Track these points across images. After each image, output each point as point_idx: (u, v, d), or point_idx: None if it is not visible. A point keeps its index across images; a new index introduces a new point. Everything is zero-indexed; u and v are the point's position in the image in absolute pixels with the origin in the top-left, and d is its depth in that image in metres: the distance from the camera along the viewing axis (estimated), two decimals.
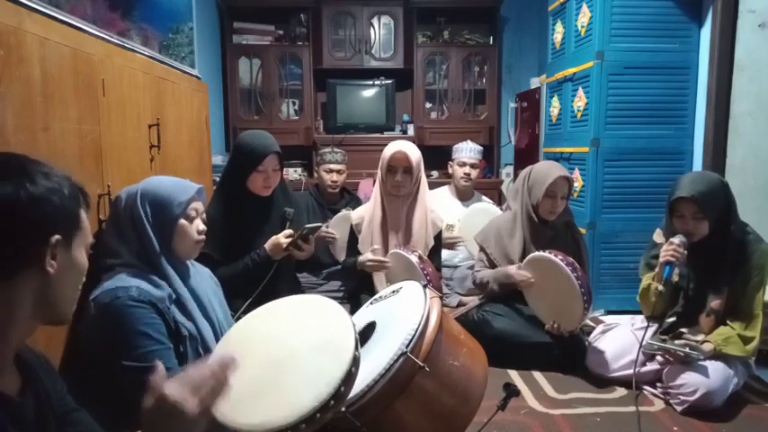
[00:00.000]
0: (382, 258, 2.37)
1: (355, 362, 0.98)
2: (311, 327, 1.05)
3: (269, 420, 0.90)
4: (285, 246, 2.11)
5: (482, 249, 2.51)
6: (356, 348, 1.00)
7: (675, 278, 2.08)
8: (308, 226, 2.19)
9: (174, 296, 1.42)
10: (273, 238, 2.12)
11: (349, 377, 0.96)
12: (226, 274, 2.03)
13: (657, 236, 2.17)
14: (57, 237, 0.78)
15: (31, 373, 0.86)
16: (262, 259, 2.10)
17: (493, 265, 2.46)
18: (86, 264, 0.86)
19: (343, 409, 1.25)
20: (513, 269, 2.30)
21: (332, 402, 0.93)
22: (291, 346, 1.02)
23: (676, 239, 1.98)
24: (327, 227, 2.78)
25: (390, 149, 2.42)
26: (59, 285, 0.81)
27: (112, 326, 1.29)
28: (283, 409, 0.91)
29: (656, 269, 2.03)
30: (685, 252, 1.97)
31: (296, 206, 2.36)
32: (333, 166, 3.20)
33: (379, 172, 2.50)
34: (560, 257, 2.11)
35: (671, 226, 2.06)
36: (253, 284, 2.02)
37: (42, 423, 0.84)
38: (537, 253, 2.21)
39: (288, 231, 2.14)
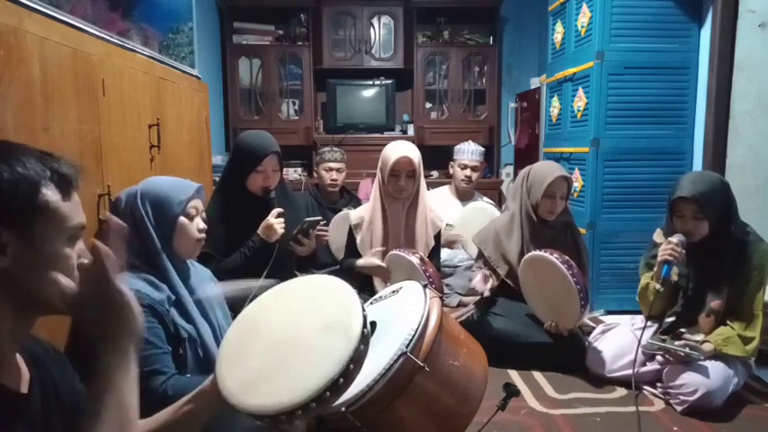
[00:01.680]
0: (383, 264, 2.36)
1: (364, 339, 0.98)
2: (319, 307, 1.06)
3: (278, 401, 0.90)
4: (275, 226, 2.08)
5: (480, 252, 2.51)
6: (364, 325, 1.00)
7: (675, 277, 2.08)
8: (307, 219, 2.18)
9: (173, 298, 1.42)
10: (264, 221, 2.10)
11: (358, 354, 0.96)
12: (228, 268, 2.04)
13: (657, 236, 2.17)
14: None
15: (38, 366, 0.85)
16: (257, 244, 2.09)
17: (490, 267, 2.46)
18: (67, 252, 0.80)
19: (343, 408, 1.25)
20: (477, 280, 2.33)
21: (341, 380, 0.93)
22: (300, 327, 1.03)
23: (674, 238, 1.98)
24: (325, 223, 2.78)
25: (393, 154, 2.38)
26: (32, 279, 0.77)
27: None
28: (293, 390, 0.92)
29: (655, 268, 2.03)
30: (683, 251, 1.97)
31: (295, 206, 2.35)
32: (332, 165, 3.20)
33: (378, 173, 2.49)
34: (556, 256, 2.11)
35: (671, 225, 2.06)
36: (254, 275, 1.99)
37: (49, 415, 0.84)
38: (533, 252, 2.22)
39: (276, 211, 2.11)
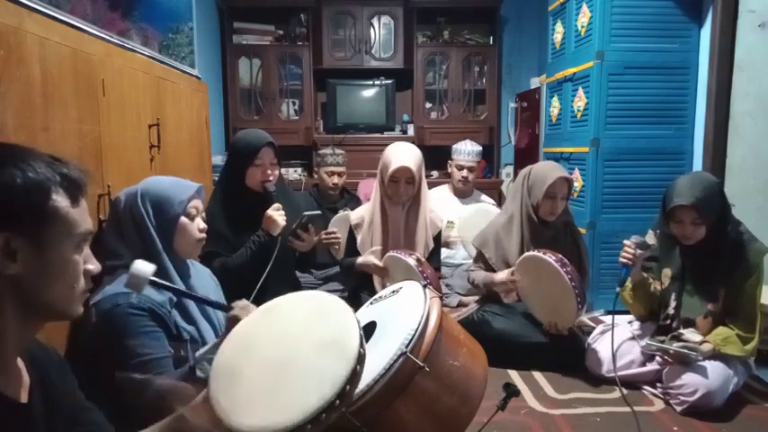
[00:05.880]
0: (381, 265, 2.36)
1: (360, 359, 0.98)
2: (315, 325, 1.04)
3: (274, 422, 0.90)
4: (276, 218, 2.07)
5: (480, 253, 2.51)
6: (361, 345, 0.99)
7: (666, 280, 2.08)
8: (306, 213, 2.17)
9: (174, 299, 1.42)
10: (265, 214, 2.10)
11: (354, 376, 0.96)
12: (236, 263, 2.04)
13: (650, 237, 2.17)
14: (5, 235, 0.72)
15: (38, 370, 0.84)
16: (262, 237, 2.08)
17: (491, 269, 2.46)
18: (75, 259, 0.80)
19: (343, 409, 1.25)
20: (499, 275, 2.33)
21: (337, 402, 0.93)
22: (295, 346, 1.01)
23: (630, 240, 1.99)
24: (326, 226, 2.76)
25: (394, 161, 2.37)
26: (40, 285, 0.76)
27: (112, 333, 1.29)
28: (288, 410, 0.91)
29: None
30: (639, 252, 1.98)
31: (295, 203, 2.35)
32: (334, 169, 3.19)
33: (378, 175, 2.48)
34: (550, 255, 2.11)
35: (665, 227, 2.05)
36: (259, 271, 1.99)
37: (51, 424, 0.83)
38: (528, 253, 2.21)
39: (276, 205, 2.11)
